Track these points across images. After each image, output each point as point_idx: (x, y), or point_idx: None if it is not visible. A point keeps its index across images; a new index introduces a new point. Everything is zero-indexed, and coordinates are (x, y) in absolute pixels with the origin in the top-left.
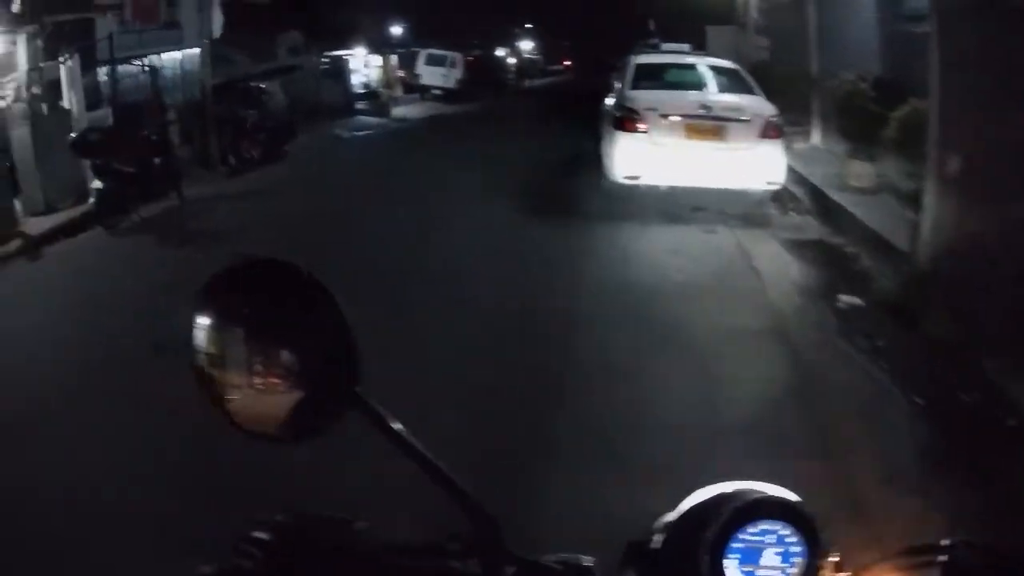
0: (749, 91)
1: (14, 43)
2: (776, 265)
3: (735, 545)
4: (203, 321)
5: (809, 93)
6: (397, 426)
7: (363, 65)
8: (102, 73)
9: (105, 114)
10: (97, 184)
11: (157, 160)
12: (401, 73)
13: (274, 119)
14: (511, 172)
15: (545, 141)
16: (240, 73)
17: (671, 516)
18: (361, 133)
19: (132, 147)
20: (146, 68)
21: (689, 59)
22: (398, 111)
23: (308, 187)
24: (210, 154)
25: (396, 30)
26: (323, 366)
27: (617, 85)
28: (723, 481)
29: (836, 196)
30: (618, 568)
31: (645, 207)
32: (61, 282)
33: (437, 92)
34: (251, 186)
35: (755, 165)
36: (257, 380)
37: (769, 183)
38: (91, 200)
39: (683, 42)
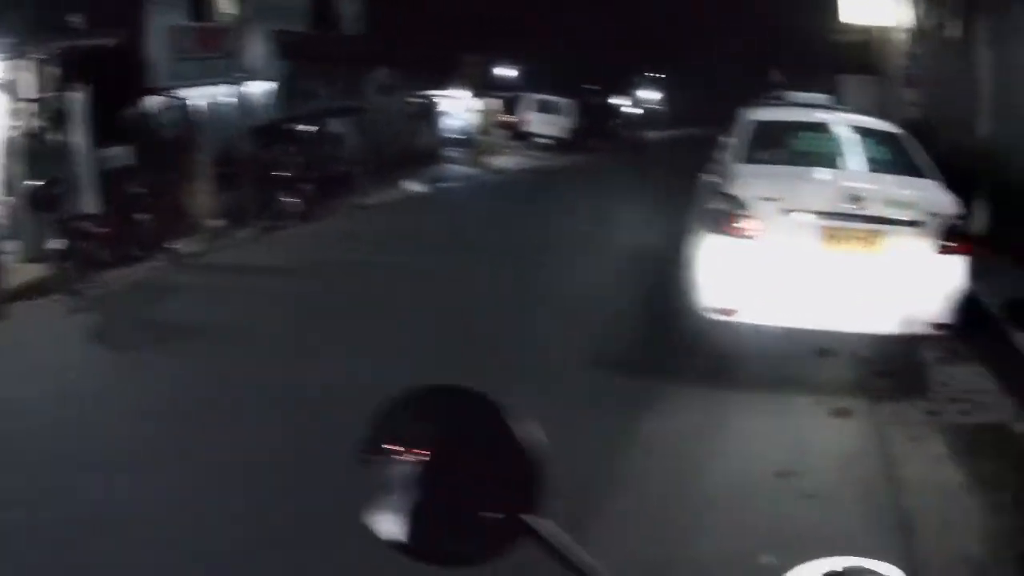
0: (920, 171)
1: (17, 69)
2: (942, 505)
3: None
4: (378, 433)
5: (975, 168)
6: (580, 554)
7: (459, 108)
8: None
9: (125, 153)
10: (56, 244)
11: (143, 217)
12: (510, 118)
13: (327, 168)
14: (588, 266)
15: (651, 214)
16: (288, 114)
17: None
18: (444, 186)
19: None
20: (177, 102)
21: (828, 117)
22: (498, 161)
23: (333, 268)
24: (243, 207)
25: (506, 72)
26: (498, 496)
27: (722, 153)
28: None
29: None
30: None
31: (746, 347)
32: None
33: (546, 141)
34: (270, 255)
35: (923, 296)
36: (424, 500)
37: (937, 325)
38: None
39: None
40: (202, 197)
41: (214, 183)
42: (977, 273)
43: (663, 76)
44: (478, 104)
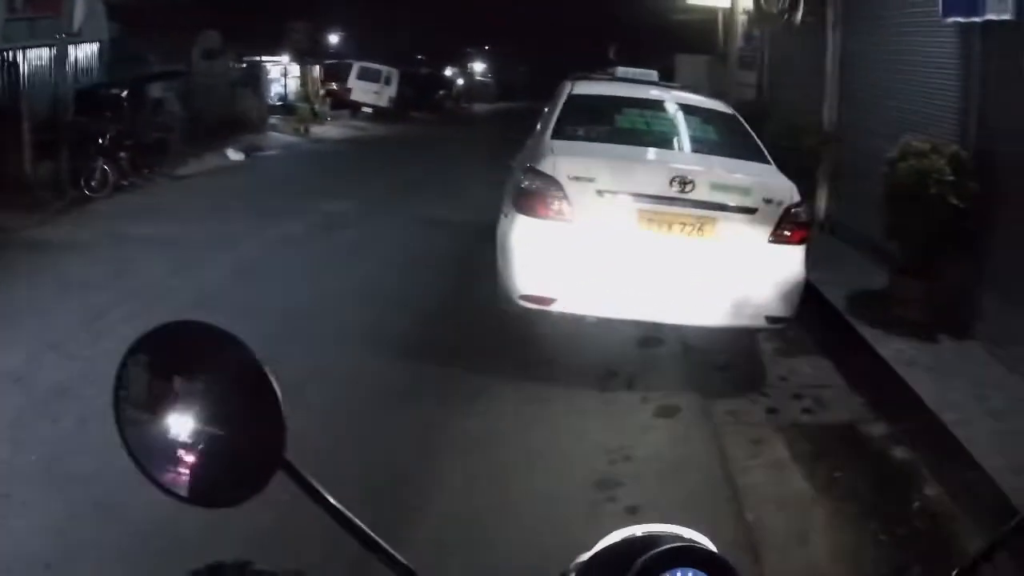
0: (755, 155)
1: None
2: (789, 519)
3: None
4: (128, 380)
5: (818, 153)
6: (323, 491)
7: (282, 75)
8: None
9: None
10: None
11: None
12: (333, 86)
13: (143, 135)
14: (390, 244)
15: (466, 188)
16: (108, 78)
17: (583, 558)
18: (262, 154)
19: None
20: (6, 64)
21: (656, 93)
22: (318, 130)
23: (125, 247)
24: (61, 175)
25: (333, 39)
26: (249, 432)
27: (538, 129)
28: (637, 524)
29: (872, 336)
30: None
31: (560, 334)
32: None
33: (368, 110)
34: (76, 230)
35: (757, 286)
36: (182, 442)
37: (772, 318)
38: None
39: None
40: (22, 167)
41: (33, 152)
42: (817, 260)
43: (495, 49)
44: (299, 71)
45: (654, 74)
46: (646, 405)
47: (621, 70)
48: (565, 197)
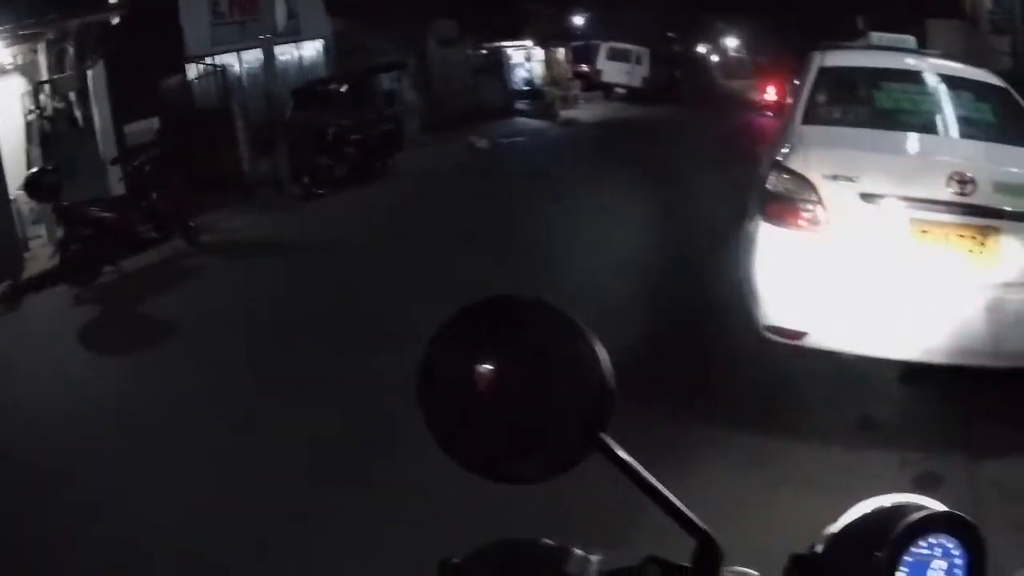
0: None
1: (35, 50)
2: None
3: (906, 558)
4: (443, 352)
5: None
6: (642, 471)
7: (525, 59)
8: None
9: (149, 126)
10: (58, 232)
11: (154, 194)
12: (583, 68)
13: (373, 128)
14: (637, 249)
15: (731, 180)
16: (332, 73)
17: (832, 529)
18: (508, 141)
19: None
20: (217, 69)
21: (918, 64)
22: (568, 113)
23: (347, 249)
24: (280, 173)
25: (577, 20)
26: (566, 406)
27: (790, 105)
28: (879, 494)
29: None
30: None
31: (813, 376)
32: None
33: (620, 91)
34: (293, 229)
35: None
36: (498, 417)
37: None
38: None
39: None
40: (233, 168)
41: (250, 151)
42: None
43: (743, 22)
44: (545, 54)
45: (911, 40)
46: (902, 470)
47: (876, 36)
48: (820, 202)
